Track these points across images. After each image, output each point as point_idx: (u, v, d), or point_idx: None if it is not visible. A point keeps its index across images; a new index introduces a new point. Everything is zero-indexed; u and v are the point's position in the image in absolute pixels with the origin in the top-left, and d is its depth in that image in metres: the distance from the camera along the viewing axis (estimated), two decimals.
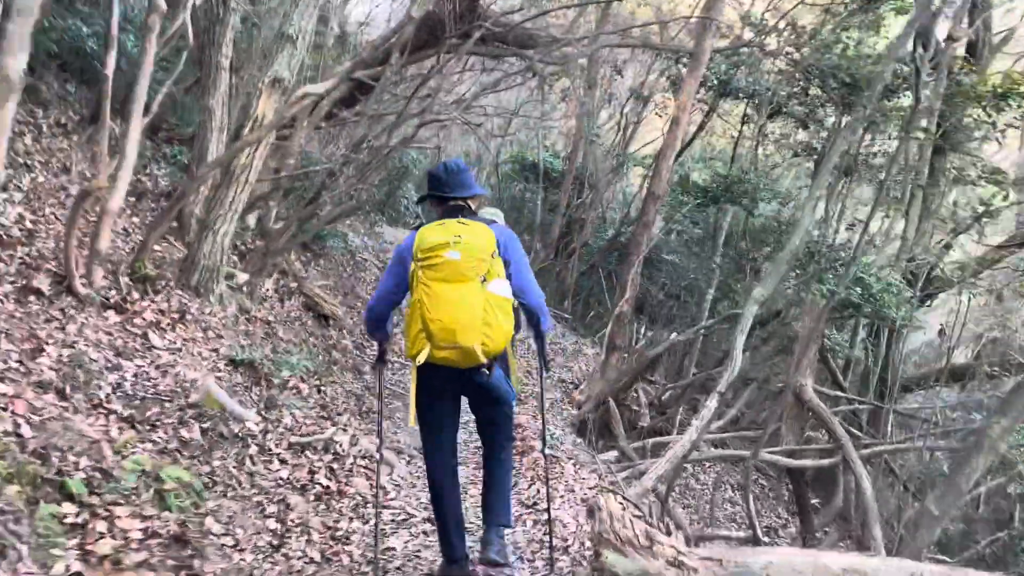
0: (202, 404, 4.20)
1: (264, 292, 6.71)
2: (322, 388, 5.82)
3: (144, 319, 4.75)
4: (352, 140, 7.42)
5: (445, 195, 3.05)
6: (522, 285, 2.99)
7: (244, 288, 6.25)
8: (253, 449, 4.20)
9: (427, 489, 3.26)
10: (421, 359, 2.78)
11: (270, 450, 4.30)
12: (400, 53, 6.17)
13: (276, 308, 6.75)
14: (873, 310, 7.58)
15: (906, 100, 8.66)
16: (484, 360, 2.78)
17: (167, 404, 4.02)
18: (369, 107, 6.74)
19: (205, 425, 4.07)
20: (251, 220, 7.52)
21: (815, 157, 10.77)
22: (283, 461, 4.27)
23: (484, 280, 2.78)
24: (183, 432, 3.91)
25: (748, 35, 9.96)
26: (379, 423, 3.48)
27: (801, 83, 9.47)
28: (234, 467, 3.96)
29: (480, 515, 3.27)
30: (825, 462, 7.94)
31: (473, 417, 3.24)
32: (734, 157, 13.24)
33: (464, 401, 3.16)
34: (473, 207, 3.13)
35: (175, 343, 4.80)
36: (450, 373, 2.88)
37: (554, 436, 5.87)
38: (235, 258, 6.65)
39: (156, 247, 5.68)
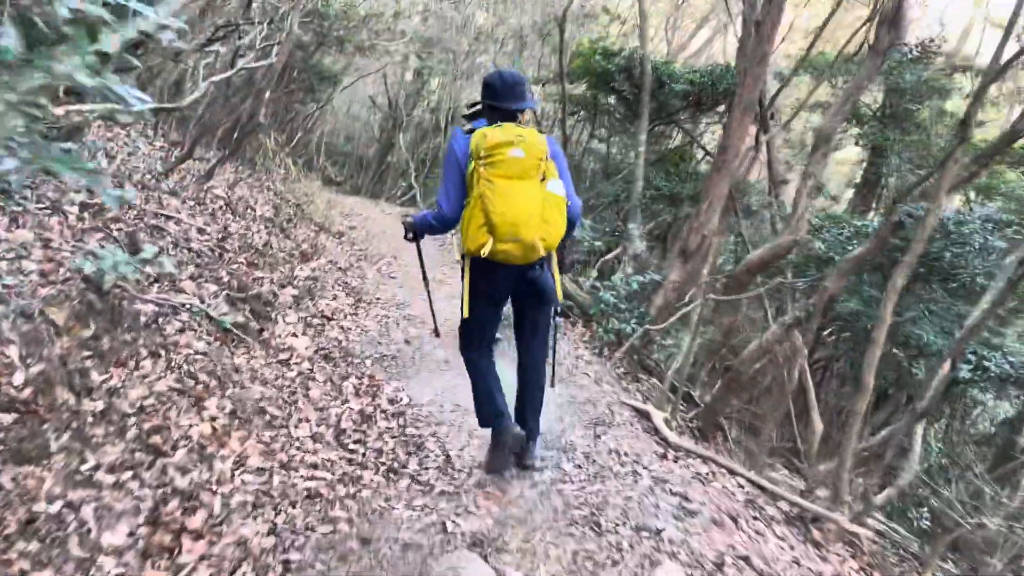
0: None
1: None
2: None
3: None
4: None
5: (500, 105, 3.07)
6: (566, 189, 3.12)
7: None
8: None
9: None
10: (485, 252, 2.91)
11: None
12: None
13: None
14: None
15: None
16: (543, 254, 2.97)
17: None
18: None
19: None
20: None
21: None
22: None
23: (543, 179, 2.95)
24: None
25: None
26: (428, 295, 3.91)
27: None
28: None
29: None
30: None
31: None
32: None
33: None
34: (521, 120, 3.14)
35: None
36: (505, 270, 3.04)
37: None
38: None
39: None
